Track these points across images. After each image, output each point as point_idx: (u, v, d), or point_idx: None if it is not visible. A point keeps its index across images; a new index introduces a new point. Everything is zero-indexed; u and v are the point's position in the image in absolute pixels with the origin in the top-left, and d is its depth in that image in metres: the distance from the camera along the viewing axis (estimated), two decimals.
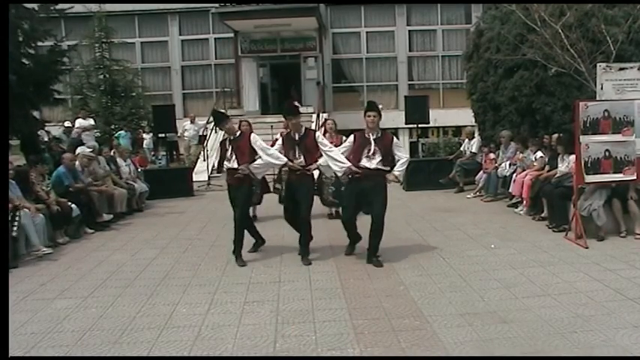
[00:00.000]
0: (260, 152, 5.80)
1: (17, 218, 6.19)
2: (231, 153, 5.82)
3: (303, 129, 5.95)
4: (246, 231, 6.11)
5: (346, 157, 5.74)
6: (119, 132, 15.51)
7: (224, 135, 6.22)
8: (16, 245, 6.19)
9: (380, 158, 5.62)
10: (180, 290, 5.06)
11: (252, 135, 5.97)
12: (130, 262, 6.17)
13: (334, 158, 5.71)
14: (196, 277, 5.50)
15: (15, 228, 6.11)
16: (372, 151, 5.62)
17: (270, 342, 3.83)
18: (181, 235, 7.60)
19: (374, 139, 5.67)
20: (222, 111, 6.35)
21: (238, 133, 5.97)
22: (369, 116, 5.67)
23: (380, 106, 5.94)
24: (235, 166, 5.79)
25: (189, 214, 9.28)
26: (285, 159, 5.79)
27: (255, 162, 5.84)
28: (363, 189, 5.65)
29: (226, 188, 6.15)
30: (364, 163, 5.64)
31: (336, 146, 7.86)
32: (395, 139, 5.82)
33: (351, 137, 5.88)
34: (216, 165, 5.94)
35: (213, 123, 5.88)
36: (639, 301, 4.32)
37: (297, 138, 5.86)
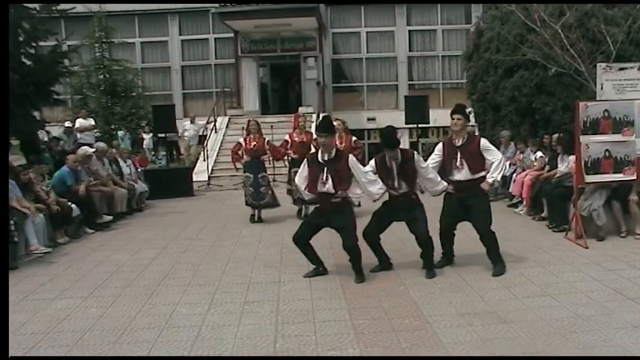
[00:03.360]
0: (361, 179, 5.09)
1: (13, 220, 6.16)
2: (326, 175, 5.03)
3: (400, 153, 5.13)
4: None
5: (437, 171, 5.28)
6: (118, 132, 15.53)
7: (315, 147, 5.42)
8: (16, 246, 6.18)
9: (467, 167, 5.17)
10: (180, 290, 5.05)
11: (351, 157, 5.17)
12: (130, 262, 6.17)
13: (432, 180, 5.20)
14: (196, 277, 5.50)
15: (12, 228, 6.10)
16: (458, 162, 5.19)
17: (270, 342, 3.83)
18: (181, 235, 7.60)
19: (459, 147, 5.22)
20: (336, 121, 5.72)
21: (334, 153, 5.12)
22: (452, 119, 5.20)
23: (469, 110, 5.29)
24: (332, 191, 5.05)
25: (189, 214, 9.28)
26: (385, 187, 5.15)
27: (352, 188, 5.12)
28: (461, 201, 5.27)
29: (317, 212, 5.41)
30: (454, 175, 5.24)
31: (345, 146, 7.43)
32: (483, 140, 5.31)
33: (440, 145, 5.44)
34: (300, 186, 5.30)
35: (318, 128, 5.28)
36: (639, 301, 4.32)
37: (393, 165, 5.13)
